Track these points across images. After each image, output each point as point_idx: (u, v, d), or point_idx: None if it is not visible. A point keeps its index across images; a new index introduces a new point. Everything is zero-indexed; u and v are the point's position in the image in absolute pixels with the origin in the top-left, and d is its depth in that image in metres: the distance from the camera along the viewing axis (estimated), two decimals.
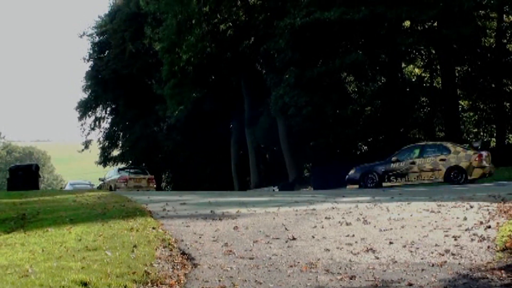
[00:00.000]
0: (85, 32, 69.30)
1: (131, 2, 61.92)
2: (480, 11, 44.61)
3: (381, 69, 47.06)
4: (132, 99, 64.78)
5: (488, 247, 8.94)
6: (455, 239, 9.56)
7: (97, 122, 71.76)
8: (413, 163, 29.96)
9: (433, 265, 7.97)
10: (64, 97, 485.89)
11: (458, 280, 7.23)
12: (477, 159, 28.59)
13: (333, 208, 13.93)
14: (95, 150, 73.02)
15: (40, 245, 9.65)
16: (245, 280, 7.41)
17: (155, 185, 42.56)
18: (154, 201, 16.82)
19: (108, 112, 72.72)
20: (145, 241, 9.65)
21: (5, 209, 15.30)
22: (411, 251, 8.85)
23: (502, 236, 9.57)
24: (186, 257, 8.76)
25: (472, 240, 9.50)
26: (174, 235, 10.48)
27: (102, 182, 44.31)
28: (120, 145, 71.79)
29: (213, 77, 57.02)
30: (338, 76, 42.73)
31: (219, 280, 7.43)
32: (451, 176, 28.56)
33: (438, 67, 48.89)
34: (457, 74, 47.90)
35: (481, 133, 50.72)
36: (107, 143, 71.77)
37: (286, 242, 9.82)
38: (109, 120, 72.67)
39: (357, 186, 31.61)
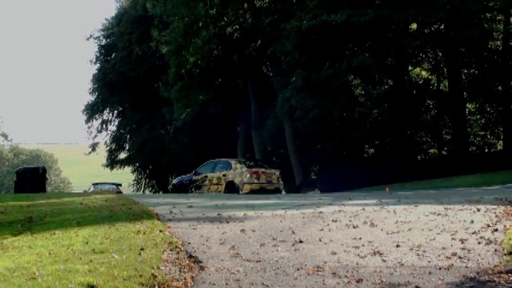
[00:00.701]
0: (92, 35, 69.69)
1: (138, 4, 62.09)
2: (487, 14, 44.67)
3: (388, 72, 47.04)
4: (139, 102, 64.95)
5: (495, 250, 8.91)
6: (462, 242, 9.54)
7: (104, 125, 72.04)
8: (206, 176, 32.41)
9: (440, 268, 7.95)
10: (71, 99, 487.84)
11: (465, 283, 7.22)
12: (248, 175, 30.60)
13: (340, 211, 13.92)
14: (102, 153, 73.27)
15: (47, 248, 9.66)
16: (252, 283, 7.41)
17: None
18: (161, 204, 16.82)
19: (115, 115, 72.96)
20: (152, 244, 9.65)
21: (12, 211, 15.32)
22: (418, 254, 8.84)
23: (509, 239, 9.54)
24: (193, 260, 8.75)
25: (479, 243, 9.47)
26: (181, 238, 10.48)
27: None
28: (127, 147, 71.96)
29: (219, 80, 57.05)
30: (345, 79, 42.69)
31: (226, 283, 7.43)
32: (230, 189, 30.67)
33: (445, 69, 48.94)
34: (464, 77, 47.88)
35: (488, 136, 50.68)
36: (114, 146, 71.97)
37: (293, 245, 9.81)
38: (116, 123, 72.91)
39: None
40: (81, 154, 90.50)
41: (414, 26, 45.87)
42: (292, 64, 43.27)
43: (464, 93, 47.12)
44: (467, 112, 48.39)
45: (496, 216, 12.03)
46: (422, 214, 12.79)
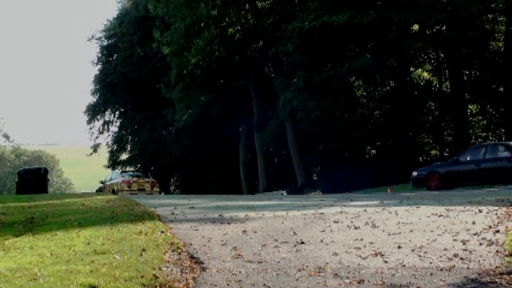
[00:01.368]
0: (94, 36, 69.67)
1: (140, 5, 62.12)
2: (489, 15, 44.61)
3: (389, 73, 47.02)
4: (140, 103, 64.95)
5: (497, 251, 8.91)
6: (464, 244, 9.53)
7: (105, 126, 72.04)
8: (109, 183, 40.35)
9: (441, 269, 7.95)
10: (73, 101, 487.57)
11: (467, 284, 7.22)
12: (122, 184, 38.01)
13: (342, 212, 13.92)
14: (103, 154, 73.27)
15: (49, 249, 9.66)
16: (254, 284, 7.41)
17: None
18: (163, 205, 16.83)
19: (116, 116, 72.94)
20: (154, 245, 9.65)
21: (14, 212, 15.32)
22: (420, 255, 8.83)
23: (511, 240, 9.54)
24: (195, 261, 8.76)
25: (480, 244, 9.47)
26: (182, 239, 10.49)
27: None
28: (129, 148, 71.91)
29: (221, 81, 57.10)
30: (347, 80, 42.73)
31: (228, 284, 7.43)
32: None
33: (447, 71, 48.86)
34: (465, 78, 47.82)
35: (490, 137, 50.63)
36: (115, 147, 71.93)
37: (295, 246, 9.81)
38: (118, 124, 72.89)
39: None
40: (82, 155, 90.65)
41: (415, 27, 45.86)
42: (294, 65, 43.30)
43: (466, 94, 47.06)
44: (468, 114, 48.34)
45: (498, 217, 12.03)
46: (423, 215, 12.79)
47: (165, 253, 9.14)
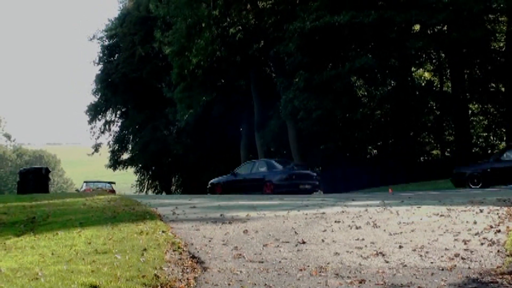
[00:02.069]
0: (95, 36, 69.64)
1: (141, 5, 62.13)
2: (490, 15, 44.58)
3: (390, 73, 46.98)
4: (141, 103, 65.00)
5: (498, 251, 8.91)
6: (465, 243, 9.53)
7: (107, 126, 72.08)
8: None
9: (442, 269, 7.95)
10: (74, 100, 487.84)
11: (468, 284, 7.21)
12: None
13: (343, 212, 13.93)
14: (105, 154, 73.31)
15: (50, 248, 9.67)
16: (255, 284, 7.41)
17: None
18: (164, 205, 16.84)
19: (118, 116, 72.98)
20: (155, 245, 9.66)
21: (15, 212, 15.33)
22: (421, 255, 8.83)
23: None
24: (196, 261, 8.76)
25: (482, 244, 9.47)
26: (183, 238, 10.49)
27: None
28: (130, 148, 71.94)
29: (222, 81, 57.12)
30: (348, 80, 42.66)
31: (229, 284, 7.43)
32: None
33: (448, 71, 48.87)
34: (466, 78, 47.79)
35: (491, 137, 50.61)
36: (117, 147, 71.99)
37: (296, 245, 9.82)
38: (119, 124, 72.94)
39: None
40: (84, 155, 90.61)
41: (416, 27, 45.86)
42: (295, 65, 43.29)
43: (467, 94, 47.04)
44: (470, 113, 48.31)
45: (499, 217, 12.02)
46: (425, 215, 12.79)
47: (166, 252, 9.15)
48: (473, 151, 47.29)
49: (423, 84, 51.11)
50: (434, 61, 51.31)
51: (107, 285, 7.05)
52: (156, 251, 9.15)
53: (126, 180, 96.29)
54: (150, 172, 74.03)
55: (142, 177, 75.14)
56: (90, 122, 71.06)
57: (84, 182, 53.44)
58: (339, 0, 40.76)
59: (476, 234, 10.28)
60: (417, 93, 48.38)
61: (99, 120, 71.52)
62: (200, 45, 46.16)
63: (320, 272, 7.97)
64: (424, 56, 49.96)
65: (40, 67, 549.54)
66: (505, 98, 45.35)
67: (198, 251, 9.42)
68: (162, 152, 64.26)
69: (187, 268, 8.28)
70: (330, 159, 46.56)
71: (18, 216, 14.35)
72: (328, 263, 8.47)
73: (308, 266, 8.35)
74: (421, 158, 50.31)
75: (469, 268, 8.01)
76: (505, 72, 44.19)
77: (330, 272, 7.95)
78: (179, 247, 9.64)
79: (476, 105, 50.33)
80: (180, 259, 8.88)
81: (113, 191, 44.10)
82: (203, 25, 46.65)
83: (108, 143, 72.55)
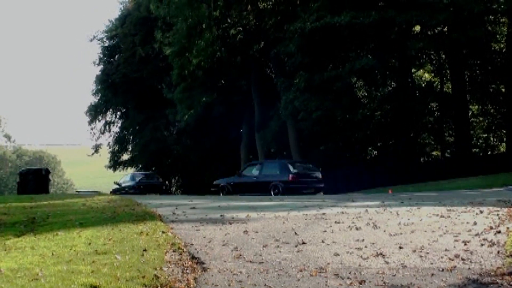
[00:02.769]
0: (95, 36, 69.46)
1: (141, 6, 62.07)
2: (490, 16, 44.58)
3: (391, 74, 47.02)
4: (142, 103, 64.93)
5: (498, 252, 8.91)
6: (465, 244, 9.53)
7: (107, 126, 71.97)
8: None
9: (442, 270, 7.95)
10: (74, 101, 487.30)
11: (468, 285, 7.21)
12: None
13: (343, 213, 13.94)
14: (105, 154, 73.26)
15: (50, 249, 9.67)
16: (255, 284, 7.41)
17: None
18: (164, 205, 16.85)
19: (118, 116, 72.88)
20: (155, 245, 9.66)
21: (15, 212, 15.34)
22: (421, 256, 8.83)
23: None
24: (196, 261, 8.76)
25: (482, 245, 9.47)
26: (183, 239, 10.50)
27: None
28: (130, 149, 71.85)
29: (223, 81, 57.12)
30: (348, 81, 42.67)
31: (229, 284, 7.43)
32: None
33: (448, 71, 48.88)
34: (467, 79, 47.83)
35: (491, 138, 50.65)
36: (117, 147, 71.88)
37: (296, 246, 9.82)
38: (119, 124, 72.81)
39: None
40: (84, 155, 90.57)
41: (417, 28, 45.87)
42: (296, 66, 43.30)
43: (467, 95, 47.08)
44: (470, 114, 48.34)
45: (499, 218, 12.03)
46: (425, 216, 12.80)
47: (166, 253, 9.15)
48: (473, 152, 47.34)
49: (423, 85, 51.15)
50: (434, 62, 51.35)
51: (107, 285, 7.05)
52: (156, 251, 9.16)
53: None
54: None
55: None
56: (90, 122, 70.97)
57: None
58: (340, 0, 40.79)
59: (476, 235, 10.29)
60: (417, 94, 48.40)
61: (99, 120, 71.46)
62: (200, 46, 46.14)
63: (320, 272, 7.97)
64: (424, 57, 50.01)
65: (41, 67, 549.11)
66: (505, 99, 45.39)
67: (198, 252, 9.42)
68: (162, 153, 64.21)
69: (187, 269, 8.28)
70: (330, 159, 46.54)
71: (18, 217, 14.35)
72: (328, 264, 8.47)
73: (308, 266, 8.35)
74: (421, 159, 50.34)
75: (469, 269, 8.01)
76: (505, 73, 44.24)
77: (330, 273, 7.95)
78: (179, 248, 9.65)
79: (476, 106, 50.39)
80: (180, 259, 8.88)
81: None
82: (204, 25, 46.64)
83: (108, 143, 72.49)
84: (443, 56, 49.09)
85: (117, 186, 47.26)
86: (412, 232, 10.82)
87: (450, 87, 48.66)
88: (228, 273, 8.01)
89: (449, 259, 8.58)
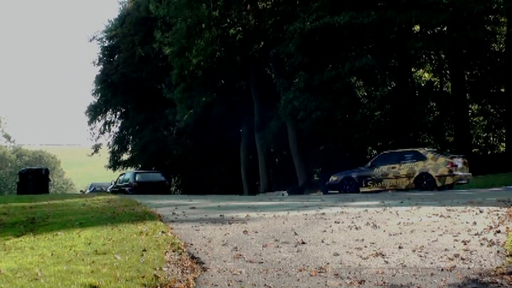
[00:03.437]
0: (95, 36, 69.45)
1: (141, 6, 62.10)
2: (490, 16, 44.56)
3: (390, 74, 46.97)
4: (141, 103, 64.92)
5: (498, 251, 8.91)
6: (465, 244, 9.54)
7: (106, 126, 71.93)
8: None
9: (442, 270, 7.95)
10: (74, 101, 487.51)
11: (468, 284, 7.22)
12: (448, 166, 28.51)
13: (343, 213, 13.93)
14: (104, 154, 73.22)
15: (50, 249, 9.68)
16: (255, 284, 7.41)
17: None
18: (164, 205, 16.86)
19: (117, 116, 72.85)
20: (155, 245, 9.67)
21: (15, 212, 15.35)
22: (421, 256, 8.84)
23: None
24: (196, 261, 8.77)
25: (481, 244, 9.47)
26: (183, 239, 10.50)
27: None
28: (130, 149, 71.81)
29: (222, 81, 57.10)
30: (348, 81, 42.63)
31: (228, 284, 7.43)
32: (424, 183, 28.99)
33: (448, 71, 48.85)
34: (466, 79, 47.80)
35: (491, 138, 50.63)
36: (116, 147, 71.85)
37: (296, 246, 9.82)
38: (119, 124, 72.78)
39: (337, 191, 31.63)
40: (84, 155, 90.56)
41: (417, 28, 45.86)
42: (295, 66, 43.29)
43: (467, 94, 47.05)
44: (470, 114, 48.31)
45: (499, 217, 12.03)
46: (424, 215, 12.80)
47: (166, 253, 9.16)
48: (473, 151, 47.29)
49: (423, 84, 51.11)
50: (434, 61, 51.31)
51: (106, 285, 7.06)
52: (155, 251, 9.16)
53: None
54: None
55: None
56: (90, 122, 70.96)
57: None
58: (339, 0, 40.75)
59: (475, 235, 10.29)
60: (417, 93, 48.35)
61: (99, 120, 71.43)
62: (200, 46, 46.12)
63: (319, 272, 7.98)
64: (424, 56, 50.00)
65: (40, 67, 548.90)
66: (505, 99, 45.35)
67: (197, 252, 9.42)
68: (162, 153, 64.16)
69: (186, 269, 8.28)
70: (330, 159, 46.45)
71: (18, 217, 14.37)
72: (327, 264, 8.47)
73: (308, 266, 8.35)
74: None
75: (468, 268, 8.01)
76: (505, 73, 44.20)
77: (329, 273, 7.95)
78: (178, 248, 9.65)
79: (476, 106, 50.37)
80: (180, 259, 8.88)
81: None
82: (203, 25, 46.62)
83: (108, 143, 72.45)
84: (443, 55, 49.06)
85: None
86: (412, 232, 10.82)
87: (449, 86, 48.64)
88: (227, 273, 8.01)
89: (449, 258, 8.58)
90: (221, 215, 13.75)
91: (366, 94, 49.28)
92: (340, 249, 9.47)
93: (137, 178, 38.21)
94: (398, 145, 44.21)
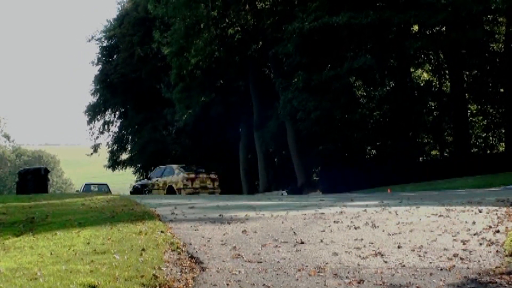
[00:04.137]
0: (94, 36, 69.43)
1: (140, 6, 62.05)
2: (489, 16, 44.57)
3: (389, 73, 46.98)
4: (140, 103, 64.91)
5: (497, 251, 8.91)
6: (464, 244, 9.53)
7: (105, 126, 71.92)
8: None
9: (441, 269, 7.95)
10: (73, 101, 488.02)
11: (467, 284, 7.22)
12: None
13: (342, 212, 13.92)
14: (103, 154, 73.21)
15: (49, 248, 9.67)
16: (253, 284, 7.41)
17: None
18: (163, 205, 16.84)
19: (116, 116, 72.83)
20: (154, 245, 9.66)
21: (14, 212, 15.33)
22: (420, 255, 8.83)
23: (511, 240, 9.54)
24: (195, 261, 8.76)
25: (480, 244, 9.47)
26: (182, 238, 10.48)
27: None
28: (129, 149, 71.77)
29: (221, 81, 57.12)
30: (347, 80, 42.64)
31: (227, 284, 7.43)
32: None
33: (447, 71, 48.87)
34: (465, 78, 47.83)
35: (490, 137, 50.63)
36: (115, 147, 71.84)
37: (295, 246, 9.81)
38: (118, 124, 72.76)
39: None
40: (83, 155, 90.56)
41: (415, 27, 45.88)
42: (294, 66, 43.31)
43: (466, 94, 47.08)
44: (469, 114, 48.33)
45: (498, 217, 12.02)
46: (423, 215, 12.79)
47: (165, 253, 9.14)
48: (472, 151, 47.32)
49: (422, 84, 51.14)
50: (433, 61, 51.34)
51: (105, 285, 7.05)
52: (154, 251, 9.15)
53: (125, 180, 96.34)
54: (149, 173, 73.79)
55: (141, 178, 74.97)
56: (89, 122, 70.95)
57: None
58: (338, 0, 40.78)
59: (475, 234, 10.29)
60: (416, 93, 48.39)
61: (98, 120, 71.41)
62: (198, 46, 46.15)
63: (318, 272, 7.97)
64: (423, 56, 50.03)
65: (39, 67, 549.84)
66: (504, 99, 45.39)
67: (196, 251, 9.41)
68: (161, 153, 64.09)
69: (185, 268, 8.27)
70: (329, 159, 46.51)
71: (17, 216, 14.35)
72: (326, 263, 8.47)
73: (307, 266, 8.34)
74: (420, 158, 50.30)
75: (467, 268, 8.01)
76: (504, 73, 44.22)
77: (328, 272, 7.95)
78: (177, 247, 9.64)
79: (475, 106, 50.38)
80: (179, 259, 8.87)
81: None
82: (202, 25, 46.66)
83: (107, 143, 72.43)
84: (442, 55, 49.08)
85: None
86: (411, 231, 10.82)
87: (448, 86, 48.67)
88: (226, 273, 8.00)
89: (448, 258, 8.58)
90: (220, 215, 13.73)
91: (365, 94, 49.31)
92: (339, 249, 9.46)
93: None
94: (397, 145, 44.30)
